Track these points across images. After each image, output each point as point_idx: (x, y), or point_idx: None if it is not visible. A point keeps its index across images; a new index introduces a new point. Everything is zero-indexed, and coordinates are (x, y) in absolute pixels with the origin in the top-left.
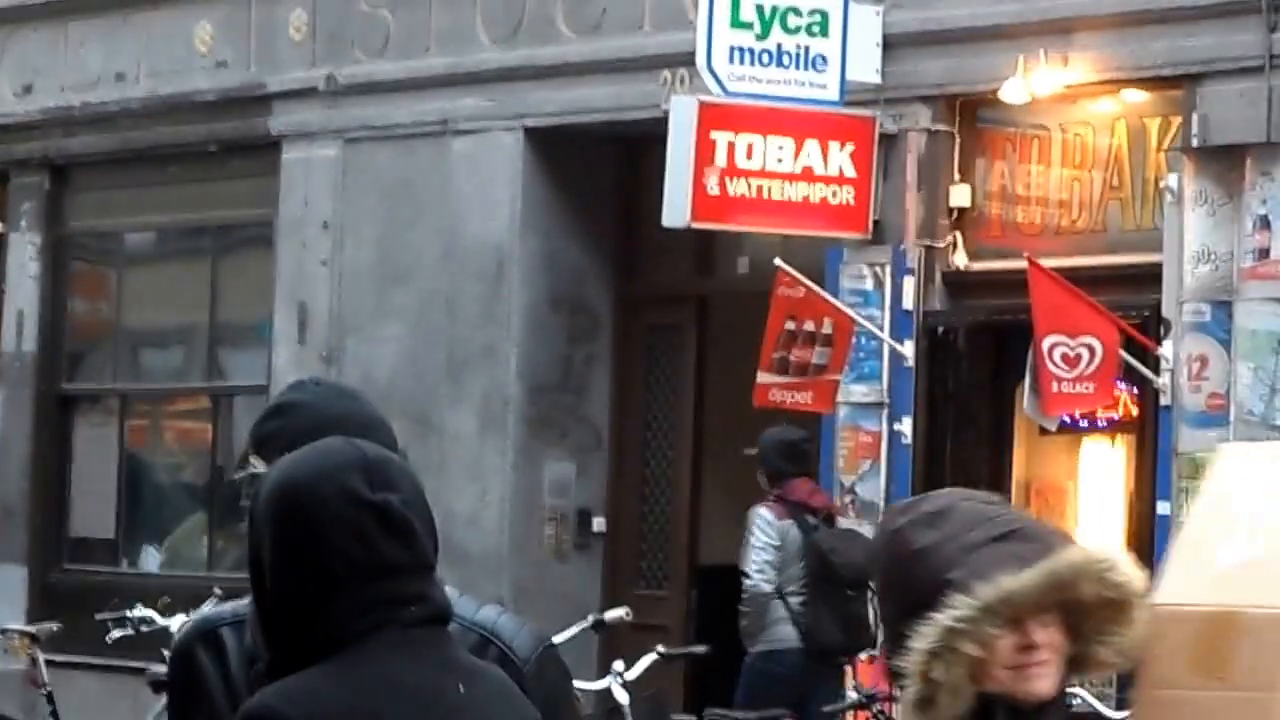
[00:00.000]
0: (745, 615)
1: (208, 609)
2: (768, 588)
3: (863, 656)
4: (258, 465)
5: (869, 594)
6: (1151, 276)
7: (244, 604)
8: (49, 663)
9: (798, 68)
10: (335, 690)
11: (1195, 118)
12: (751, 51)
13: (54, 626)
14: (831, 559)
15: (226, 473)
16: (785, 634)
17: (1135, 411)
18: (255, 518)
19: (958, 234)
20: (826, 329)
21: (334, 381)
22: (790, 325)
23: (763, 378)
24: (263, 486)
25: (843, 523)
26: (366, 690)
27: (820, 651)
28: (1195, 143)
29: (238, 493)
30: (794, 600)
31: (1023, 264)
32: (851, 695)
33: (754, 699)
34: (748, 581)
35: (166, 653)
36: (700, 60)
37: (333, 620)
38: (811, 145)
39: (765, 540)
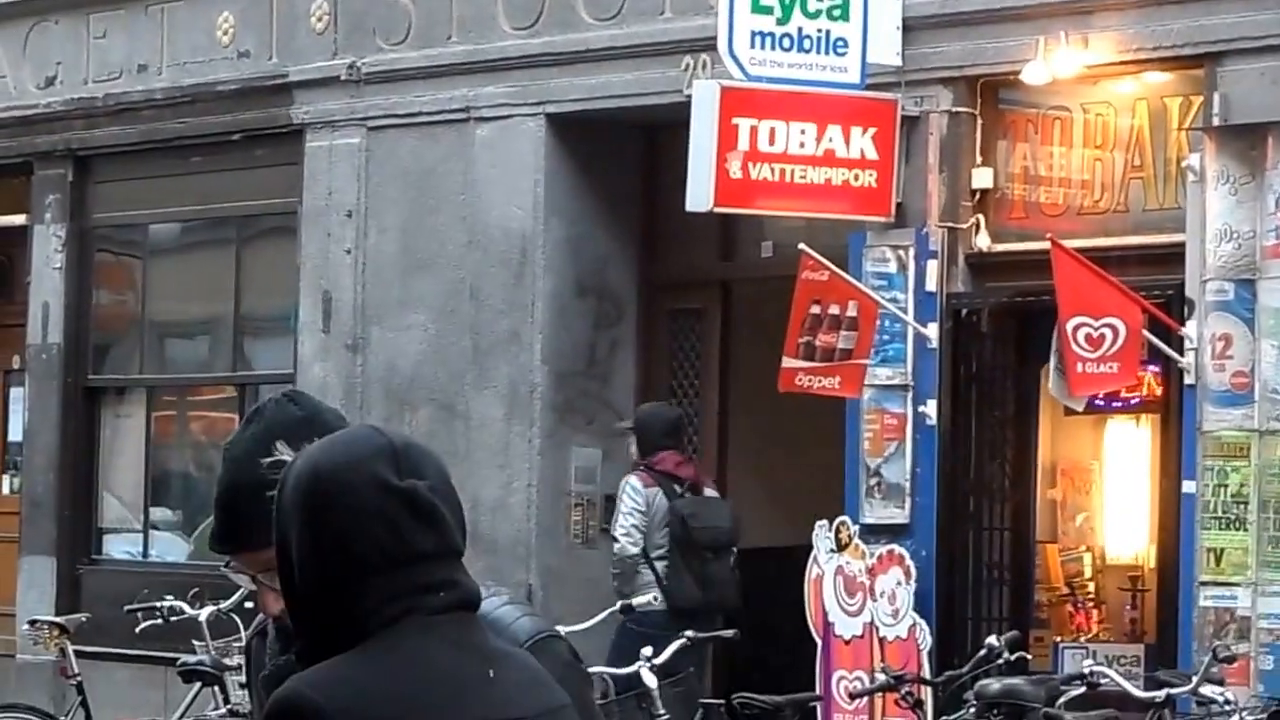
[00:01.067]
0: (615, 576)
1: (237, 597)
2: (633, 550)
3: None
4: (284, 453)
5: (730, 557)
6: (1174, 256)
7: None
8: (78, 653)
9: (819, 52)
10: (365, 676)
11: (1216, 97)
12: (772, 36)
13: (83, 618)
14: (691, 524)
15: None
16: (652, 594)
17: (1160, 391)
18: (282, 506)
19: (980, 216)
20: (851, 312)
21: (290, 405)
22: (815, 309)
23: (788, 363)
24: (289, 475)
25: (708, 492)
26: (396, 676)
27: (681, 611)
28: (1216, 122)
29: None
30: (659, 564)
31: (1045, 245)
32: (880, 677)
33: (622, 657)
34: (615, 545)
35: (196, 643)
36: (721, 45)
37: (361, 607)
38: (833, 129)
39: (633, 506)
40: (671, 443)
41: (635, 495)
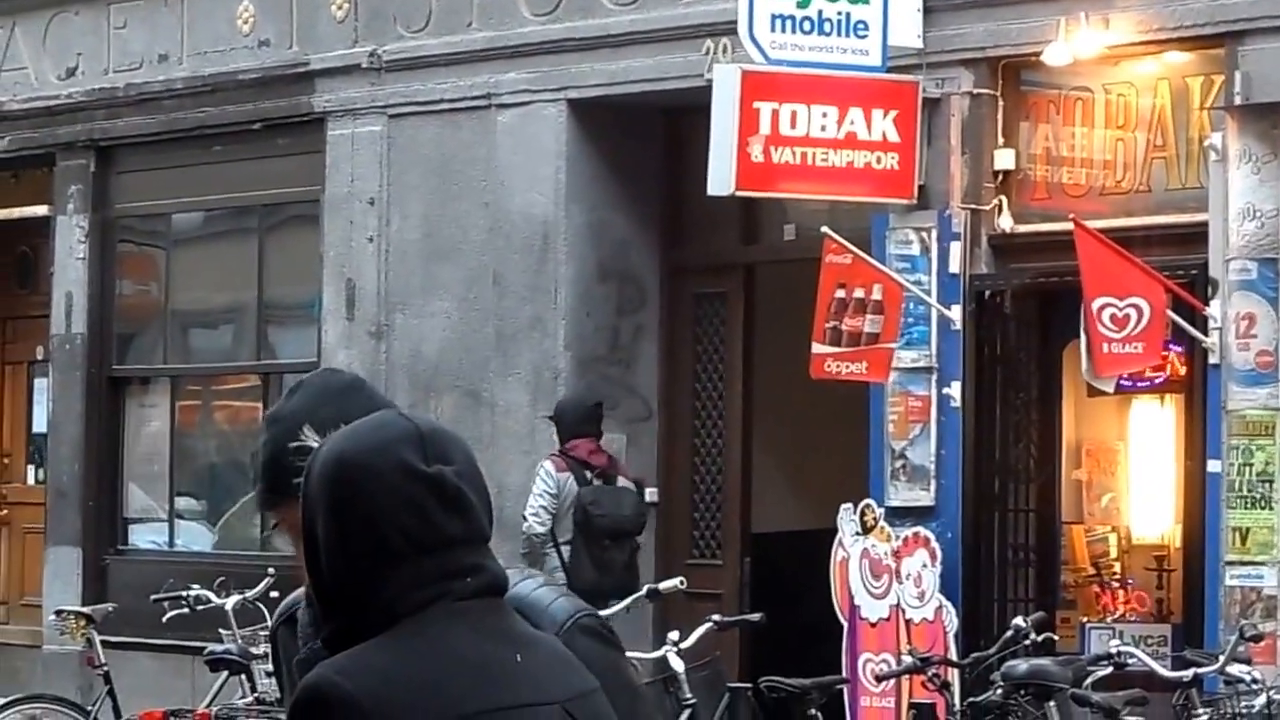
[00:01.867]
0: (523, 555)
1: (263, 586)
2: (541, 529)
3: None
4: (309, 438)
5: (630, 545)
6: (1197, 235)
7: None
8: (105, 643)
9: (839, 34)
10: (393, 663)
11: (1237, 76)
12: (793, 19)
13: (109, 608)
14: (591, 511)
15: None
16: (556, 578)
17: (1184, 371)
18: (309, 492)
19: (1003, 197)
20: (876, 295)
21: (330, 378)
22: (840, 293)
23: (817, 349)
24: (315, 461)
25: (621, 482)
26: (425, 662)
27: (580, 592)
28: (1238, 101)
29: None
30: (564, 547)
31: (1068, 226)
32: (907, 660)
33: None
34: (525, 524)
35: (223, 631)
36: (742, 29)
37: (389, 594)
38: (855, 112)
39: (544, 489)
40: (587, 430)
41: (547, 479)
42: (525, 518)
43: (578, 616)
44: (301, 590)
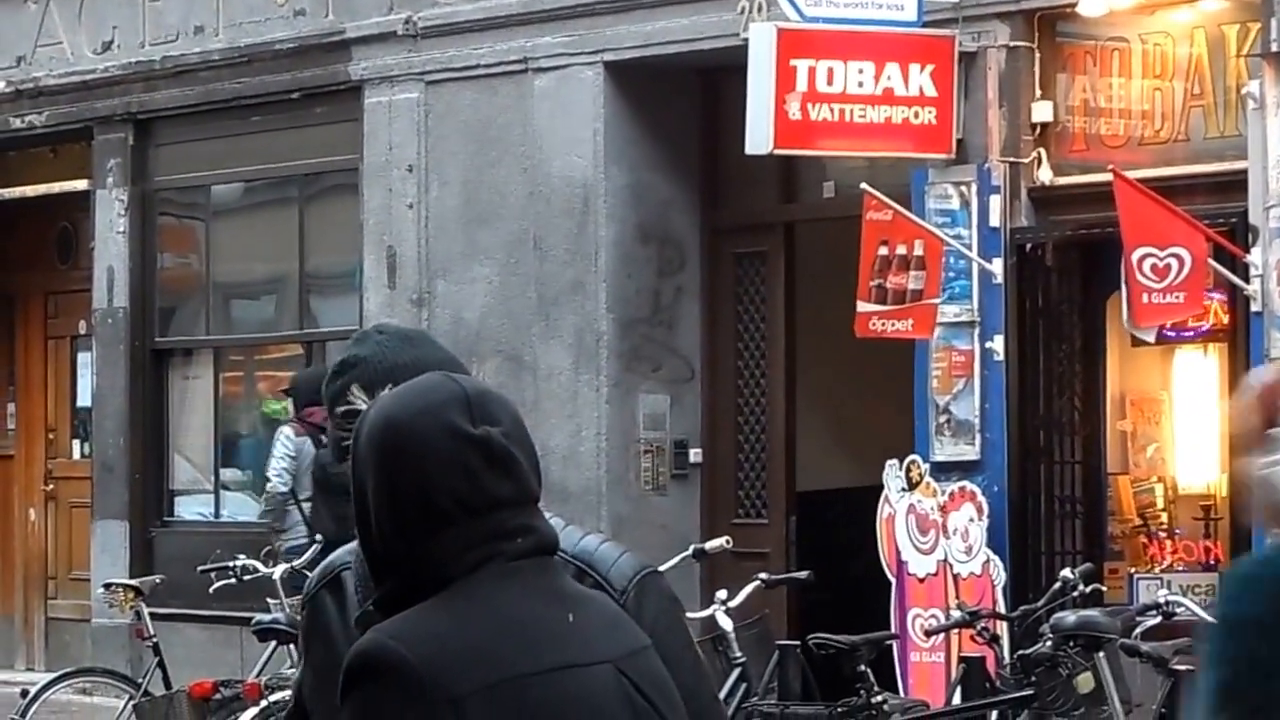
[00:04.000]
0: (267, 513)
1: (310, 555)
2: (283, 488)
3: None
4: (358, 400)
5: None
6: (1237, 183)
7: None
8: (153, 615)
9: None
10: (446, 625)
11: (1274, 23)
12: None
13: (157, 579)
14: (330, 470)
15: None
16: (302, 531)
17: (1226, 319)
18: (358, 457)
19: (1041, 150)
20: (918, 251)
21: (397, 328)
22: (883, 250)
23: (862, 307)
24: (364, 425)
25: None
26: (477, 623)
27: (323, 544)
28: (1275, 48)
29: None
30: (305, 504)
31: (1108, 177)
32: (955, 614)
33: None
34: (268, 485)
35: (271, 601)
36: None
37: (440, 556)
38: (891, 67)
39: (285, 452)
40: (321, 399)
41: (288, 443)
42: (269, 479)
43: (644, 572)
44: (338, 554)
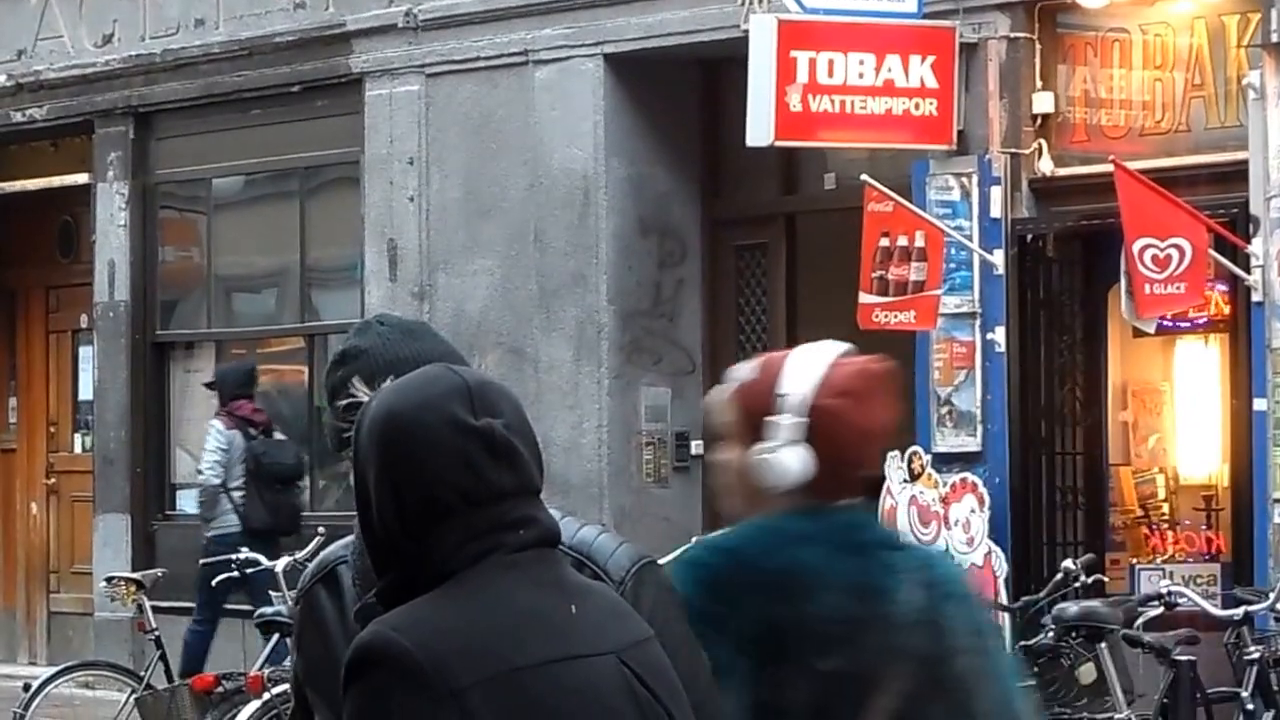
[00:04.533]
0: (200, 504)
1: (313, 547)
2: (216, 481)
3: None
4: (360, 393)
5: (295, 489)
6: (1237, 174)
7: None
8: (155, 608)
9: None
10: (448, 617)
11: (1274, 13)
12: None
13: (159, 573)
14: (263, 461)
15: (324, 412)
16: (230, 520)
17: (1227, 309)
18: (359, 448)
19: (1042, 141)
20: (919, 243)
21: (398, 320)
22: (884, 242)
23: (864, 298)
24: (365, 417)
25: (278, 435)
26: (479, 616)
27: (254, 531)
28: (1275, 38)
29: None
30: (236, 494)
31: (1109, 168)
32: None
33: (212, 569)
34: (199, 476)
35: (274, 594)
36: None
37: (441, 548)
38: (892, 59)
39: (216, 445)
40: (245, 393)
41: (219, 436)
42: (200, 471)
43: (642, 563)
44: (333, 549)
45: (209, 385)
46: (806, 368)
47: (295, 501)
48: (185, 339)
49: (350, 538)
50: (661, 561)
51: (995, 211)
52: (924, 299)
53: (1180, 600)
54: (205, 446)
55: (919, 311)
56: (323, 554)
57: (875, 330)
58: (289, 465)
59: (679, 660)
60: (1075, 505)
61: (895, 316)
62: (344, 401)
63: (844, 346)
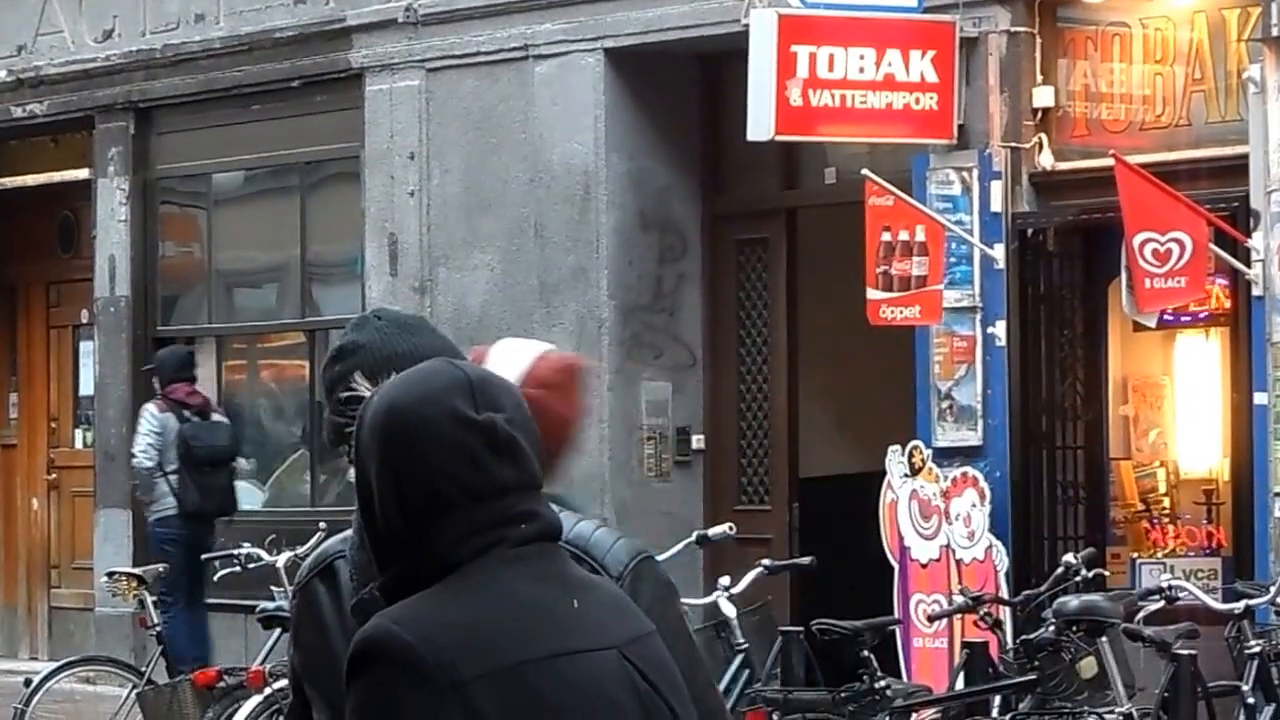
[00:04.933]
0: (136, 487)
1: (314, 543)
2: (149, 464)
3: None
4: (361, 387)
5: (227, 471)
6: (1238, 168)
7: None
8: (156, 603)
9: None
10: (450, 611)
11: (1274, 7)
12: None
13: (160, 568)
14: (192, 444)
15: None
16: (168, 503)
17: (1228, 304)
18: (361, 443)
19: (1043, 135)
20: (920, 237)
21: (396, 314)
22: (885, 236)
23: (872, 294)
24: (366, 412)
25: (215, 417)
26: (481, 609)
27: (189, 514)
28: (1275, 32)
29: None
30: (171, 476)
31: (1109, 162)
32: (958, 599)
33: (163, 558)
34: (134, 460)
35: (275, 589)
36: None
37: (443, 543)
38: (892, 53)
39: (150, 429)
40: (183, 376)
41: (152, 419)
42: (134, 455)
43: (639, 558)
44: (331, 543)
45: (148, 370)
46: (510, 359)
47: (227, 483)
48: (186, 334)
49: (349, 532)
50: (662, 556)
51: (996, 206)
52: (928, 294)
53: (1181, 594)
54: (138, 430)
55: (924, 306)
56: (321, 547)
57: (875, 325)
58: (219, 448)
59: (677, 654)
60: (1076, 499)
61: (901, 312)
62: (344, 394)
63: (546, 345)
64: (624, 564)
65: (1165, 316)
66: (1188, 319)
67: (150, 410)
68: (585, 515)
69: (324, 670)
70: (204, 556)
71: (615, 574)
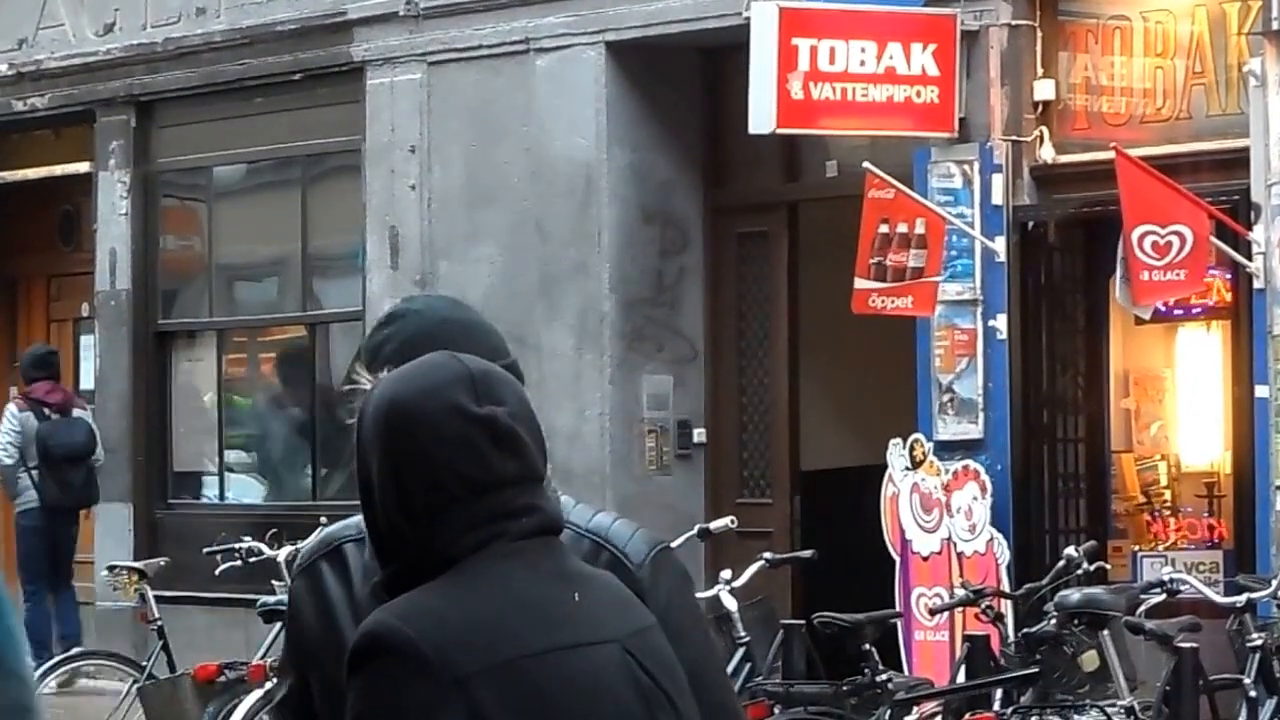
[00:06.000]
0: (2, 484)
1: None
2: (9, 461)
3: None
4: (363, 380)
5: (85, 466)
6: (1239, 161)
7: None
8: (158, 598)
9: None
10: (451, 605)
11: (1274, 1)
12: None
13: (161, 562)
14: (48, 442)
15: (327, 400)
16: (30, 497)
17: (1229, 296)
18: (362, 436)
19: (1044, 128)
20: (919, 230)
21: (440, 295)
22: (883, 228)
23: (860, 284)
24: (368, 404)
25: (76, 413)
26: (483, 604)
27: (52, 508)
28: (1276, 26)
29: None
30: (33, 472)
31: (1110, 155)
32: (959, 593)
33: (26, 548)
34: None
35: (276, 584)
36: None
37: (445, 536)
38: (893, 46)
39: (9, 427)
40: (43, 375)
41: (12, 418)
42: None
43: (659, 548)
44: (336, 528)
45: (16, 365)
46: None
47: (86, 478)
48: (187, 328)
49: (355, 518)
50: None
51: (997, 199)
52: (922, 285)
53: (1182, 587)
54: (0, 429)
55: (916, 297)
56: (327, 531)
57: (876, 316)
58: (74, 444)
59: (691, 646)
60: (1077, 492)
61: (892, 302)
62: (346, 387)
63: None
64: (644, 554)
65: (1166, 309)
66: (1186, 312)
67: (11, 410)
68: (602, 509)
69: (327, 654)
70: (205, 551)
71: (636, 563)
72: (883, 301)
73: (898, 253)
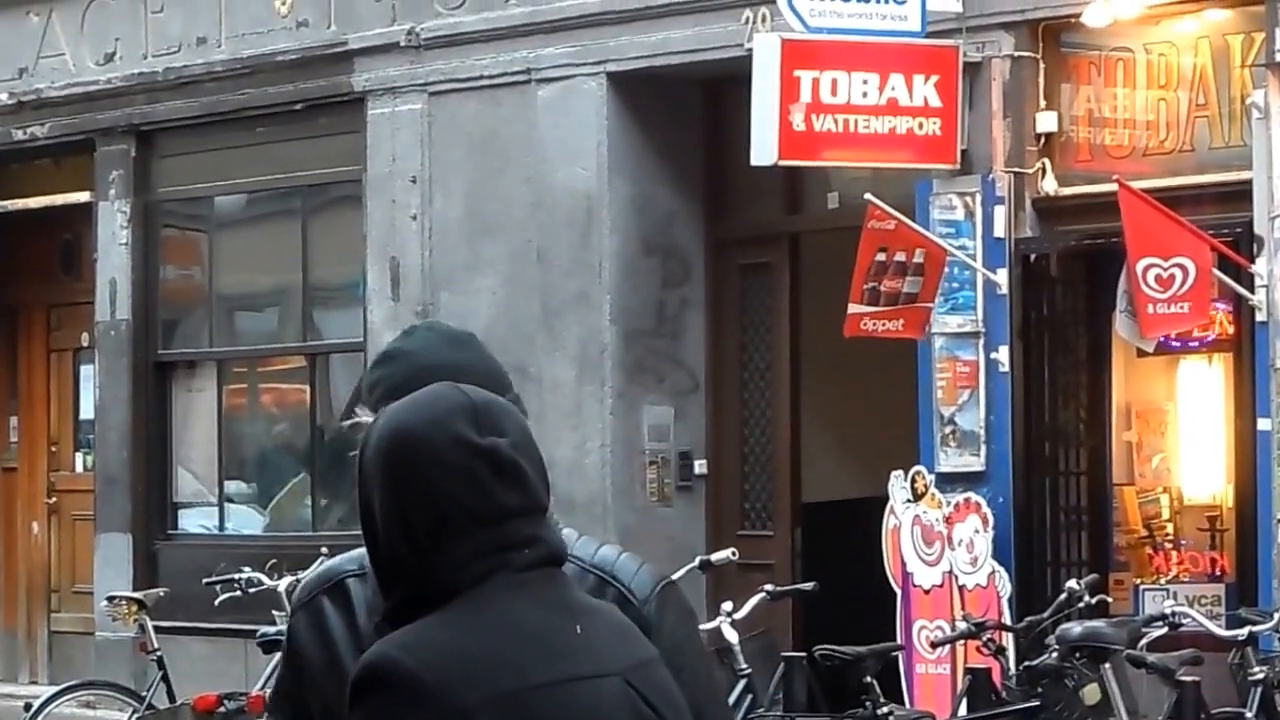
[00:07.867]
0: None
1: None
2: None
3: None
4: (364, 415)
5: None
6: (1241, 193)
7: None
8: (157, 628)
9: (878, 1)
10: (453, 637)
11: (1278, 32)
12: None
13: (161, 592)
14: None
15: (326, 431)
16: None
17: (1231, 329)
18: (365, 468)
19: (1046, 160)
20: (918, 258)
21: (446, 328)
22: (881, 257)
23: (854, 308)
24: (371, 436)
25: None
26: (485, 635)
27: None
28: (1279, 58)
29: (345, 444)
30: None
31: (1112, 187)
32: (961, 625)
33: None
34: None
35: (276, 614)
36: None
37: (447, 567)
38: (896, 78)
39: None
40: None
41: None
42: None
43: (664, 584)
44: (338, 562)
45: None
46: None
47: None
48: (187, 358)
49: (358, 551)
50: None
51: (999, 231)
52: (914, 309)
53: (1184, 621)
54: None
55: (907, 320)
56: (328, 564)
57: (877, 349)
58: None
59: (695, 681)
60: (1079, 525)
61: (883, 325)
62: (347, 422)
63: None
64: (650, 589)
65: (1169, 342)
66: (1189, 344)
67: None
68: (606, 541)
69: (330, 688)
70: (204, 582)
71: (642, 598)
72: (874, 324)
73: (893, 279)
